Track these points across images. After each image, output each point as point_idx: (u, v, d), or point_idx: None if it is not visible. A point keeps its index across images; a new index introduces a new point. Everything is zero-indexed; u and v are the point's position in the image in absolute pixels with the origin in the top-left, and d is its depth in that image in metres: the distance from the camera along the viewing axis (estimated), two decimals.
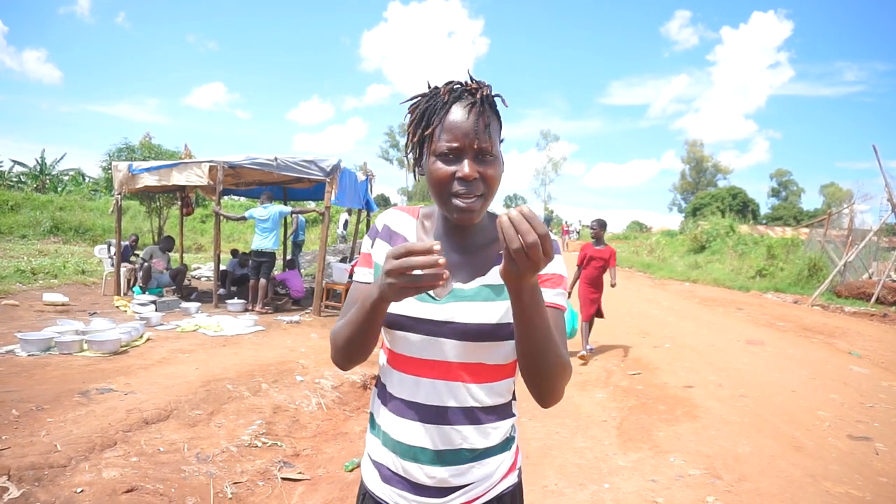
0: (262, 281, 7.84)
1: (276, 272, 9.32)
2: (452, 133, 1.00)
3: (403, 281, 0.85)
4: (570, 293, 5.85)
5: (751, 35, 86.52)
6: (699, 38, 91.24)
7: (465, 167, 1.00)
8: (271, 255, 7.91)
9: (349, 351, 1.07)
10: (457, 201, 1.02)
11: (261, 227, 7.79)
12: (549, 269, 1.10)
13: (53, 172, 25.92)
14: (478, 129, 1.00)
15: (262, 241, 7.80)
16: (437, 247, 0.83)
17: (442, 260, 0.82)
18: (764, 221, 41.88)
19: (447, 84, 1.06)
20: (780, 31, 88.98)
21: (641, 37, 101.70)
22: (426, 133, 1.04)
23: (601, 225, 6.33)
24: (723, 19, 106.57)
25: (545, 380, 1.00)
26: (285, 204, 12.00)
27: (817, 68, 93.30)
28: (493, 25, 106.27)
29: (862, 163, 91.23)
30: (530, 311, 0.91)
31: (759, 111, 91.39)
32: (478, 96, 1.02)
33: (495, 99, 1.07)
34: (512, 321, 1.04)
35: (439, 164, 1.02)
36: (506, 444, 1.15)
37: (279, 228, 7.88)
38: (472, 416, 1.09)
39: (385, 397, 1.14)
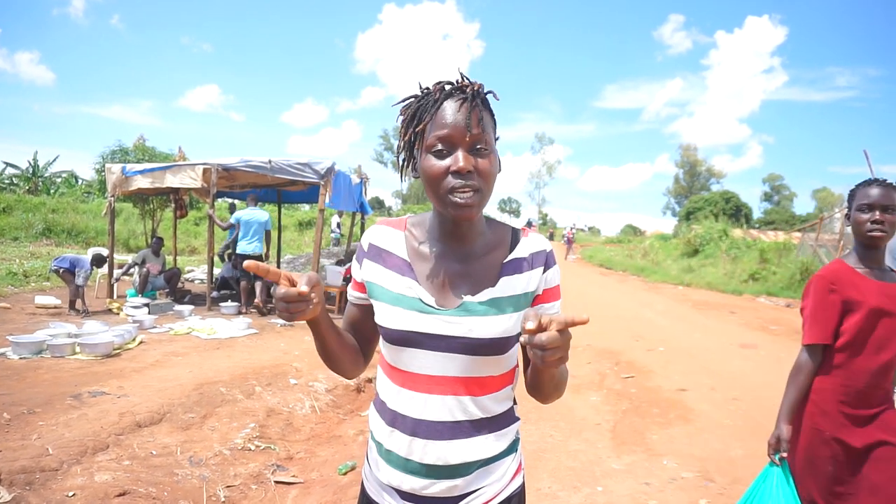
0: (259, 283, 7.91)
1: None
2: (444, 125, 0.99)
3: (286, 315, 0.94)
4: (784, 450, 1.95)
5: (745, 40, 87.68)
6: (693, 43, 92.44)
7: (460, 159, 0.98)
8: (258, 259, 7.98)
9: (329, 364, 1.15)
10: (453, 197, 0.99)
11: (247, 230, 7.87)
12: (552, 283, 1.13)
13: (46, 174, 25.75)
14: (470, 121, 0.99)
15: (247, 245, 7.89)
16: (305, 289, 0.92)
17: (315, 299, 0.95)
18: (757, 226, 42.14)
19: (438, 83, 1.05)
20: (774, 36, 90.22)
21: (635, 41, 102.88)
22: (417, 129, 1.03)
23: None
24: (717, 24, 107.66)
25: (556, 396, 1.11)
26: (279, 207, 12.02)
27: (810, 73, 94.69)
28: (489, 29, 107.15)
29: (854, 167, 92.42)
30: (552, 374, 1.02)
31: (753, 115, 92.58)
32: (469, 91, 1.02)
33: (488, 96, 1.06)
34: (518, 333, 1.09)
35: (432, 160, 1.01)
36: (512, 447, 1.16)
37: (263, 234, 8.05)
38: (483, 426, 1.09)
39: (391, 417, 1.11)
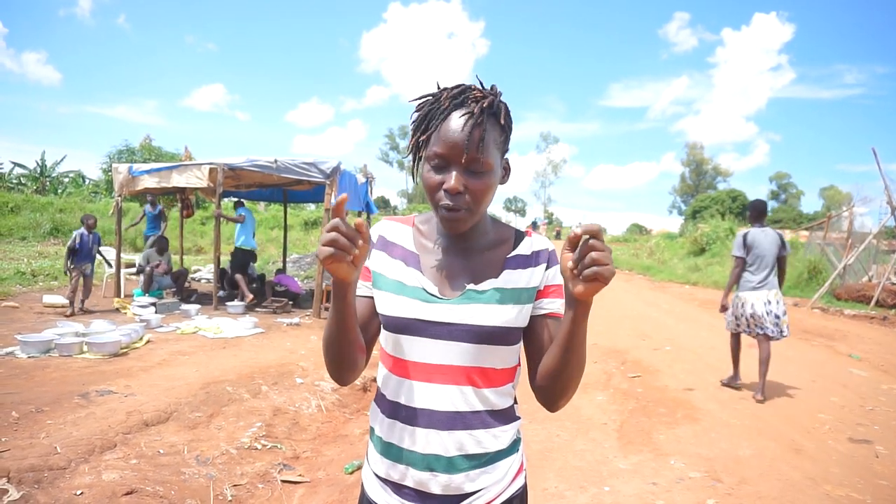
0: (245, 277, 8.42)
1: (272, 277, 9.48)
2: (443, 142, 1.00)
3: (327, 250, 0.88)
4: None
5: (752, 37, 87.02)
6: (699, 40, 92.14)
7: (451, 180, 1.00)
8: (253, 254, 8.64)
9: (332, 354, 1.06)
10: (443, 212, 1.02)
11: (252, 226, 8.41)
12: (555, 280, 1.13)
13: (54, 174, 25.90)
14: (469, 142, 0.98)
15: (250, 240, 8.41)
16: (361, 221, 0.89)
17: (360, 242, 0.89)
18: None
19: (453, 88, 1.04)
20: (782, 33, 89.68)
21: (640, 39, 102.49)
22: (421, 138, 1.04)
23: None
24: (723, 21, 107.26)
25: (572, 388, 1.04)
26: (285, 207, 12.08)
27: (817, 71, 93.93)
28: (494, 28, 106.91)
29: (861, 165, 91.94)
30: (584, 327, 0.96)
31: (760, 113, 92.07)
32: (477, 107, 1.00)
33: (506, 106, 1.05)
34: (522, 325, 1.09)
35: (429, 172, 1.03)
36: (514, 447, 1.15)
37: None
38: (484, 420, 1.09)
39: (391, 408, 1.11)
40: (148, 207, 10.52)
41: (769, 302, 4.81)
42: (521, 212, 74.95)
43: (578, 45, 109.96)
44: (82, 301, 7.27)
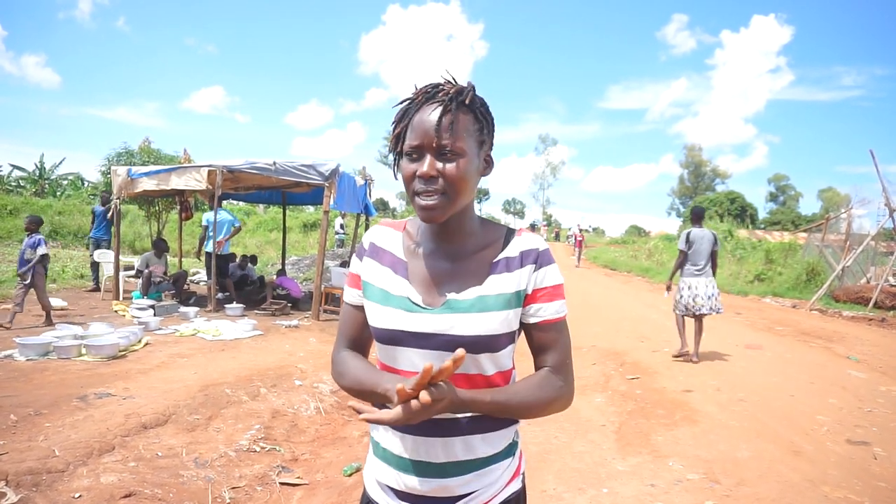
0: (229, 281, 8.72)
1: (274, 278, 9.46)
2: (416, 131, 1.02)
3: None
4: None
5: (751, 39, 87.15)
6: (697, 42, 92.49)
7: (424, 165, 1.01)
8: (228, 257, 8.86)
9: (355, 395, 1.13)
10: (419, 200, 1.02)
11: (219, 230, 8.44)
12: (546, 282, 1.11)
13: (52, 177, 25.86)
14: (440, 127, 1.00)
15: (213, 244, 8.41)
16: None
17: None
18: (762, 226, 41.93)
19: (426, 85, 1.07)
20: (780, 35, 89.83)
21: (638, 41, 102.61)
22: (396, 133, 1.06)
23: None
24: (722, 23, 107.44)
25: (547, 413, 1.12)
26: (284, 209, 12.08)
27: (816, 73, 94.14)
28: (493, 30, 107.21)
29: (860, 167, 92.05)
30: (483, 408, 1.04)
31: (758, 115, 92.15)
32: (447, 95, 1.03)
33: (481, 100, 1.07)
34: (508, 331, 1.08)
35: (406, 164, 1.05)
36: (509, 450, 1.15)
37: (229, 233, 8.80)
38: (475, 425, 1.08)
39: None
40: (97, 206, 9.87)
41: (707, 286, 6.08)
42: (520, 214, 75.05)
43: (577, 46, 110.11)
44: (11, 317, 6.24)
